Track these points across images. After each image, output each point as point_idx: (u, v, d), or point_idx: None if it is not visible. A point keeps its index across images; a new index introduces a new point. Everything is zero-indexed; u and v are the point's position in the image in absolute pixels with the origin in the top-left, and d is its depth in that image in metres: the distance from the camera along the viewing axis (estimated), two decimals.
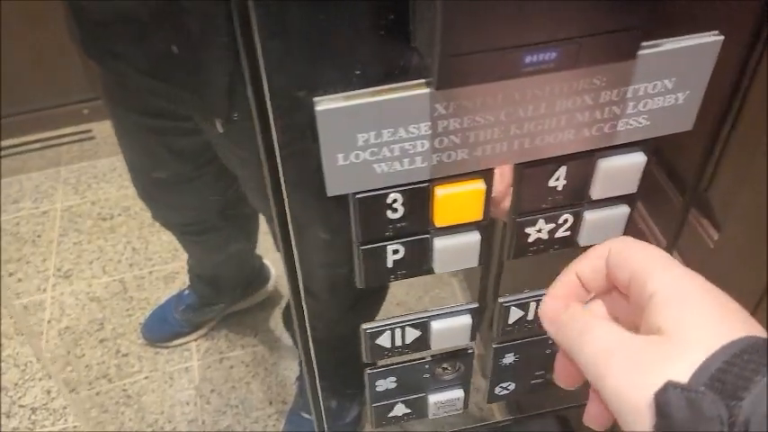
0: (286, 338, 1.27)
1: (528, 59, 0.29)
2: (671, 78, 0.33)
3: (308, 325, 0.43)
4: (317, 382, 0.47)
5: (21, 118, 1.55)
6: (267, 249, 1.21)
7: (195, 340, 1.31)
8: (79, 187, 1.55)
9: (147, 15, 0.64)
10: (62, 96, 1.55)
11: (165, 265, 1.41)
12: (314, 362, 0.46)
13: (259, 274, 1.25)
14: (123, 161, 0.96)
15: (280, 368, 1.26)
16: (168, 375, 1.27)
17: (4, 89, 1.42)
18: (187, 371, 1.27)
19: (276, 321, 1.30)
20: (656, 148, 0.50)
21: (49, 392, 1.28)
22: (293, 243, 0.38)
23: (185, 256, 1.24)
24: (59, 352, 1.32)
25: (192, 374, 1.26)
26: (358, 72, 0.31)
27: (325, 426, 0.51)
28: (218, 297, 1.25)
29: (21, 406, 1.24)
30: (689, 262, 0.60)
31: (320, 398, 0.49)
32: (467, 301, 0.45)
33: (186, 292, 1.29)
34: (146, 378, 1.27)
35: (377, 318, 0.45)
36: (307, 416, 1.12)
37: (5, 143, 1.51)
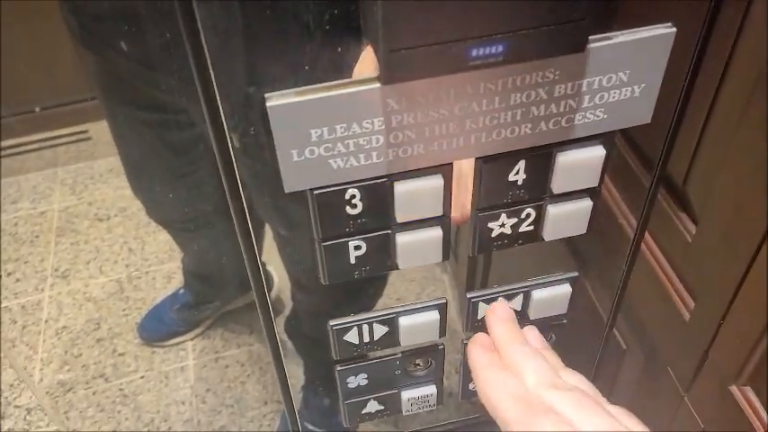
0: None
1: (474, 53, 0.29)
2: (625, 71, 0.33)
3: (274, 323, 0.43)
4: (288, 380, 0.47)
5: (18, 119, 1.56)
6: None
7: (191, 339, 1.31)
8: (76, 188, 1.55)
9: (144, 7, 0.64)
10: (58, 97, 1.56)
11: (161, 265, 1.41)
12: (283, 359, 0.46)
13: None
14: (119, 162, 0.96)
15: (275, 367, 1.26)
16: (164, 375, 1.27)
17: (1, 90, 1.43)
18: (183, 370, 1.27)
19: None
20: (629, 138, 0.49)
21: (46, 393, 1.29)
22: (254, 242, 0.38)
23: (181, 255, 1.24)
24: (57, 351, 1.32)
25: (188, 374, 1.27)
26: (307, 67, 0.31)
27: (299, 426, 0.51)
28: (213, 295, 1.25)
29: (16, 407, 1.25)
30: (668, 256, 0.60)
31: (291, 395, 0.49)
32: (456, 295, 0.45)
33: (181, 291, 1.29)
34: (142, 377, 1.27)
35: None
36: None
37: (3, 144, 1.52)
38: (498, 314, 0.44)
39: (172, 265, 1.41)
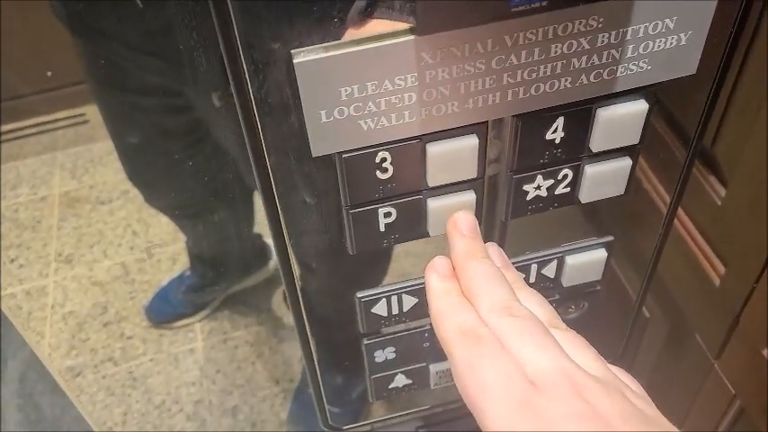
0: (289, 317, 1.26)
1: None
2: (672, 18, 0.31)
3: (301, 300, 0.42)
4: (315, 358, 0.45)
5: (14, 103, 1.53)
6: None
7: (199, 321, 1.30)
8: (76, 172, 1.53)
9: None
10: (54, 80, 1.53)
11: (165, 246, 1.40)
12: (309, 338, 0.44)
13: (259, 254, 1.24)
14: None
15: (284, 347, 1.25)
16: (173, 357, 1.26)
17: None
18: (192, 352, 1.26)
19: (279, 300, 1.29)
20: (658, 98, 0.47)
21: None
22: (279, 211, 0.36)
23: (185, 237, 1.23)
24: (64, 336, 1.31)
25: (197, 355, 1.26)
26: (336, 20, 0.29)
27: (326, 404, 0.50)
28: (219, 277, 1.24)
29: None
30: (696, 221, 0.58)
31: (318, 376, 0.47)
32: None
33: (187, 273, 1.28)
34: (151, 360, 1.26)
35: None
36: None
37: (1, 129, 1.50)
38: (460, 226, 0.36)
39: (176, 247, 1.39)
